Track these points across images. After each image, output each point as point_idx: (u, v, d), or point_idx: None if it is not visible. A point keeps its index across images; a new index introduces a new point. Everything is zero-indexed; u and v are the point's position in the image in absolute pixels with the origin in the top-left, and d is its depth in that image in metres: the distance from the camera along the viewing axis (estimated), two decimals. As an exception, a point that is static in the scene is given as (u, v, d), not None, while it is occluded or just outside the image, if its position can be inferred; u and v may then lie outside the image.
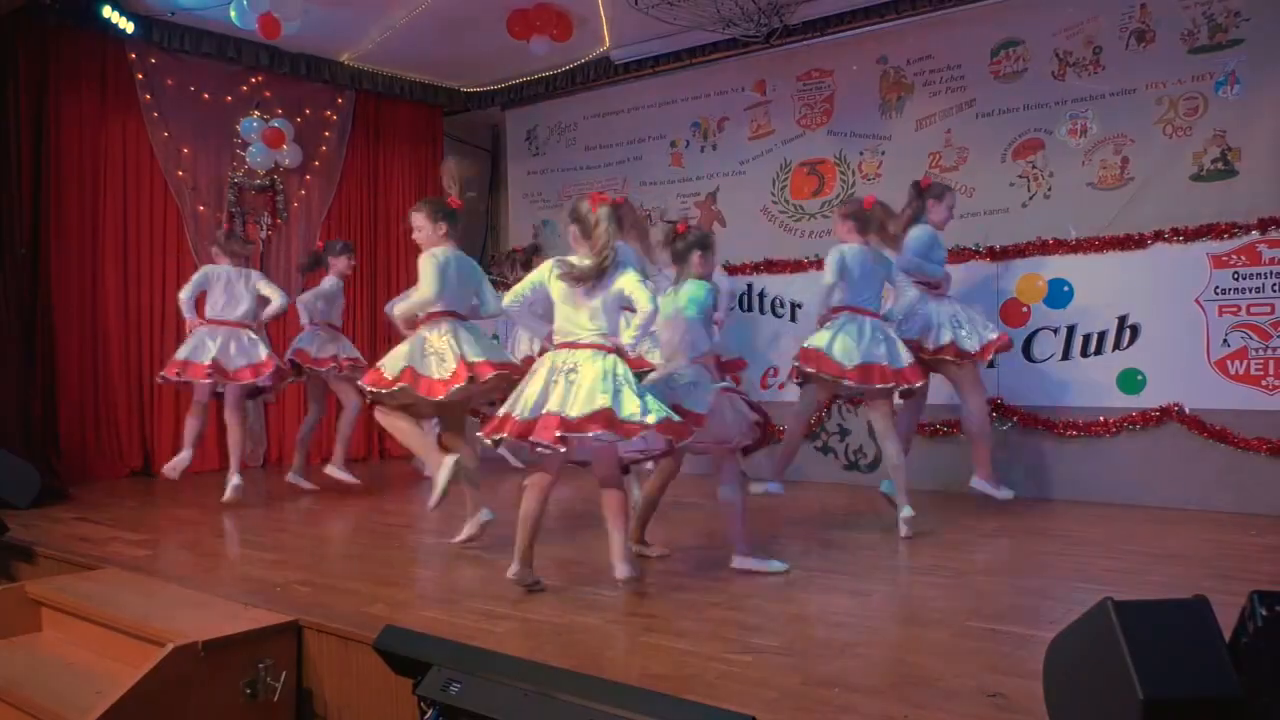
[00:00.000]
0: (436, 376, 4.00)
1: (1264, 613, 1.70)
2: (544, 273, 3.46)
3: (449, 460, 4.01)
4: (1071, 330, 5.42)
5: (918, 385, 4.39)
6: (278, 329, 6.85)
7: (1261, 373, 4.90)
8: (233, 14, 5.74)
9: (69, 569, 4.05)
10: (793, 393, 5.39)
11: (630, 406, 3.20)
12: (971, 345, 4.66)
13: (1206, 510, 4.91)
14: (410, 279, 8.00)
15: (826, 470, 6.26)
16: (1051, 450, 5.45)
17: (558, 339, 3.43)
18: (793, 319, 6.42)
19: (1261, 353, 4.90)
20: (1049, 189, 5.60)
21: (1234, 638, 1.76)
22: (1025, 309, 5.55)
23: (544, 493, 3.45)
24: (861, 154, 6.35)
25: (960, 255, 5.58)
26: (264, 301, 5.55)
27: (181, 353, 5.41)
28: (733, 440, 3.67)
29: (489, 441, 3.36)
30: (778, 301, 6.52)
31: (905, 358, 4.35)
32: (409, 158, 8.15)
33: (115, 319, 6.56)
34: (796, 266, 6.41)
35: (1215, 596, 1.84)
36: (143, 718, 2.74)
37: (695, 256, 3.72)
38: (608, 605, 3.28)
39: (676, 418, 3.32)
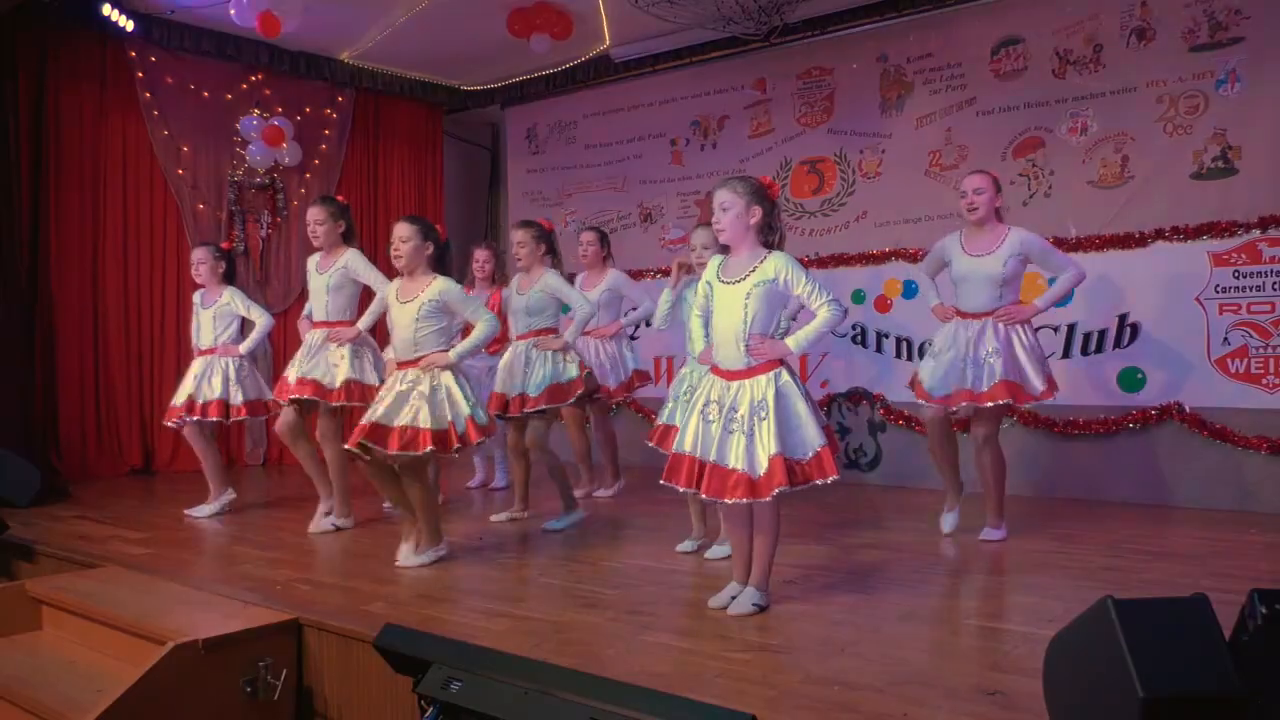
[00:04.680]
0: None
1: (1264, 611, 1.70)
2: None
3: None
4: (1072, 329, 5.42)
5: None
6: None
7: (1262, 371, 4.89)
8: (232, 12, 5.74)
9: (69, 567, 4.06)
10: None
11: None
12: None
13: (1206, 508, 4.91)
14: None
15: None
16: (1051, 448, 5.45)
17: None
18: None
19: (1262, 351, 4.90)
20: (1049, 187, 5.60)
21: (1234, 636, 1.76)
22: (1026, 307, 5.55)
23: None
24: (862, 152, 6.35)
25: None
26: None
27: None
28: None
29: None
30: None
31: None
32: (409, 156, 8.14)
33: (115, 317, 6.56)
34: (797, 265, 6.41)
35: (1215, 595, 1.84)
36: (143, 716, 2.74)
37: None
38: (607, 603, 3.27)
39: None
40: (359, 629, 2.91)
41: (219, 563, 4.14)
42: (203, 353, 5.09)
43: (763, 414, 3.00)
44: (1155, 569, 3.68)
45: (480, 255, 5.70)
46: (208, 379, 5.00)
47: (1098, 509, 4.99)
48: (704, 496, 3.09)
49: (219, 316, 5.07)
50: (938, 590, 3.51)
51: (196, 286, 5.22)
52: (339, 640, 2.99)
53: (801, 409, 3.05)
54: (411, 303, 3.84)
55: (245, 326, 5.15)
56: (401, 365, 3.87)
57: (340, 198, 4.81)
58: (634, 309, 5.60)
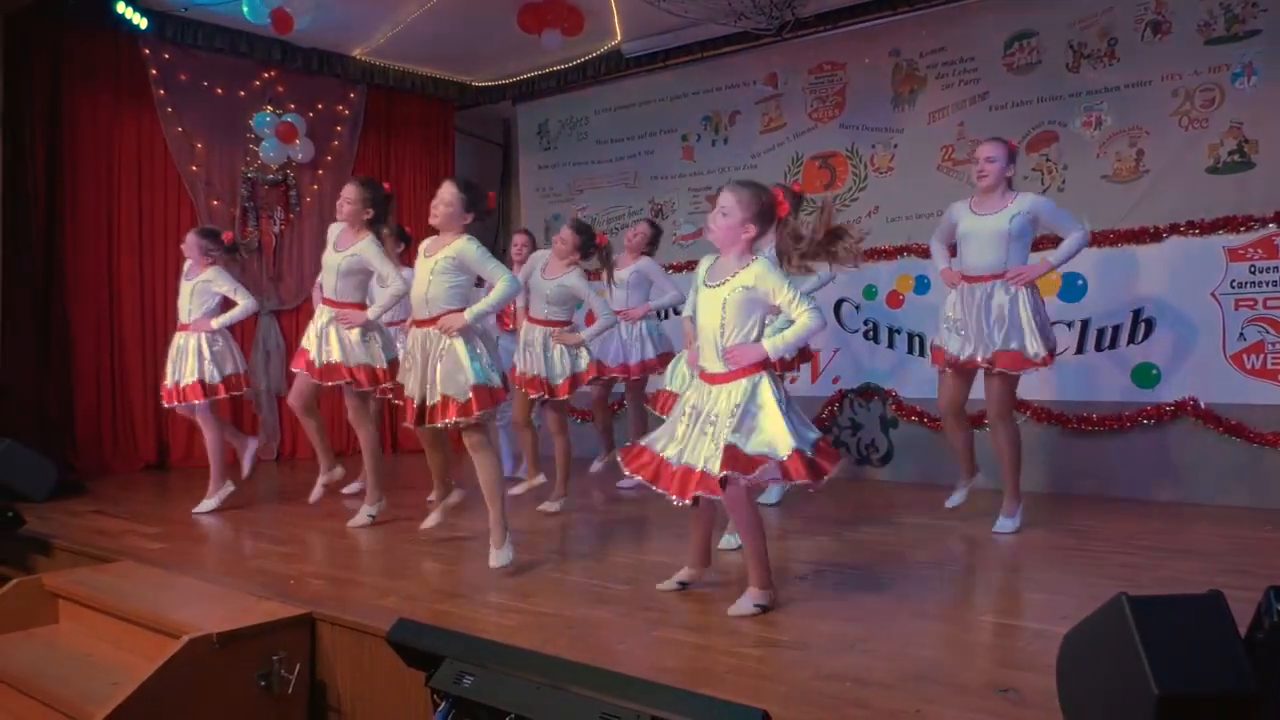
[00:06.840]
0: None
1: (1280, 608, 1.69)
2: None
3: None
4: (1086, 324, 5.39)
5: None
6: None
7: (1278, 367, 4.86)
8: (245, 9, 5.76)
9: (85, 561, 4.08)
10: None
11: None
12: None
13: (1221, 505, 4.88)
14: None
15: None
16: (1065, 445, 5.43)
17: None
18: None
19: (1278, 347, 4.86)
20: (1063, 182, 5.56)
21: (1249, 633, 1.74)
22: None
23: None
24: (874, 147, 6.32)
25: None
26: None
27: None
28: None
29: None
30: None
31: None
32: (421, 152, 8.17)
33: (130, 313, 6.60)
34: (808, 261, 6.40)
35: (1231, 592, 1.82)
36: (158, 709, 2.76)
37: None
38: (619, 599, 3.28)
39: None
40: (372, 624, 2.92)
41: (233, 557, 4.16)
42: (180, 327, 5.11)
43: (733, 418, 2.97)
44: (1170, 566, 3.66)
45: (518, 240, 5.93)
46: (183, 360, 5.00)
47: (1112, 505, 4.97)
48: (656, 488, 3.07)
49: (197, 292, 5.06)
50: (950, 586, 3.50)
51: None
52: (352, 635, 3.00)
53: (772, 416, 2.97)
54: (431, 258, 3.77)
55: (226, 309, 5.13)
56: (418, 324, 3.81)
57: (386, 186, 4.63)
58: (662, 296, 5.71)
